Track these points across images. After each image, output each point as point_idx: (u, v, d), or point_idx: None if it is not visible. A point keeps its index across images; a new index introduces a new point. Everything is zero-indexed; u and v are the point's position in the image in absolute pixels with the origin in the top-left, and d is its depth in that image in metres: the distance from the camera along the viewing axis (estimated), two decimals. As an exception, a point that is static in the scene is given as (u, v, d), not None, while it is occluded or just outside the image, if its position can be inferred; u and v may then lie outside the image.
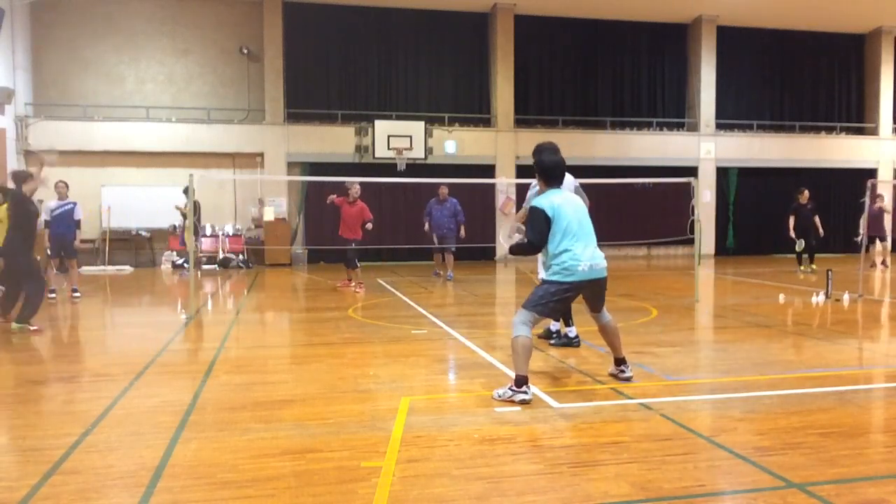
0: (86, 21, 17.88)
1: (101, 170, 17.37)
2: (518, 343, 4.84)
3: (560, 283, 4.97)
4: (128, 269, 16.52)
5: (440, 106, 19.47)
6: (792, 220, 13.92)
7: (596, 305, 5.30)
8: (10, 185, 8.42)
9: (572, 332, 6.80)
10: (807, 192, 13.65)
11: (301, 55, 18.82)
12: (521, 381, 4.77)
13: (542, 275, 5.36)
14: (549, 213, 5.03)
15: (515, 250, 5.35)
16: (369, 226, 11.96)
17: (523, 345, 4.82)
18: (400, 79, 19.61)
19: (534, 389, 5.06)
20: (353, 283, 12.06)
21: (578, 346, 6.73)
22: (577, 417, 4.43)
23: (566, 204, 5.11)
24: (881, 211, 15.30)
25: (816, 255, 14.45)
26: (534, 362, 6.06)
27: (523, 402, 4.70)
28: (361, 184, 12.19)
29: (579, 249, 4.98)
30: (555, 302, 5.03)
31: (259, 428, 4.24)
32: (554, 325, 6.91)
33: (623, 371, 5.38)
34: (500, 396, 4.81)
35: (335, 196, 11.99)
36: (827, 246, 21.08)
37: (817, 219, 13.61)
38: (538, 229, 5.04)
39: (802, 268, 14.30)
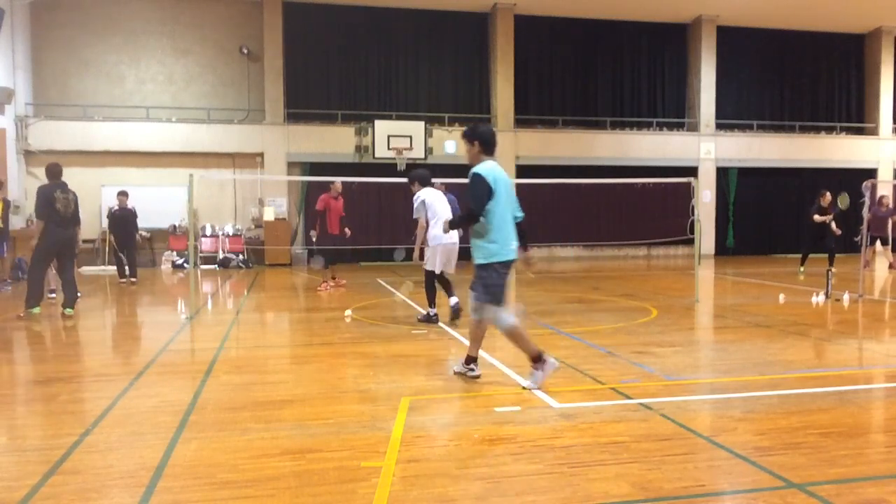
0: (86, 21, 17.88)
1: (101, 170, 17.38)
2: (516, 332, 5.11)
3: (498, 264, 5.11)
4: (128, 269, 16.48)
5: (440, 106, 19.48)
6: (817, 219, 13.63)
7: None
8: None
9: (433, 310, 8.13)
10: (828, 195, 13.54)
11: (301, 55, 18.82)
12: (537, 357, 5.07)
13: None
14: (492, 185, 5.07)
15: (456, 223, 5.54)
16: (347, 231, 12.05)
17: (520, 330, 5.12)
18: (400, 79, 19.61)
19: (534, 390, 5.08)
20: (331, 282, 12.15)
21: (437, 322, 8.01)
22: (577, 417, 4.42)
23: (501, 179, 5.20)
24: (890, 212, 15.15)
25: (813, 256, 14.42)
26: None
27: (553, 369, 5.08)
28: (361, 184, 12.23)
29: (511, 227, 5.19)
30: (504, 284, 5.16)
31: (259, 428, 4.24)
32: (432, 310, 8.12)
33: (472, 370, 5.44)
34: (532, 385, 5.04)
35: (322, 203, 11.87)
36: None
37: (833, 223, 13.53)
38: (480, 197, 5.06)
39: (802, 269, 14.28)
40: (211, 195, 18.12)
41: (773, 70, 21.72)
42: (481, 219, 5.11)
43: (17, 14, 16.64)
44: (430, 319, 8.13)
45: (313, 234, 11.94)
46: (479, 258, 5.17)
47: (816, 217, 13.45)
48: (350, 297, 11.16)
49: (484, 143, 5.31)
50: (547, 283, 13.38)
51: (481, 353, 6.48)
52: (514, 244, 5.19)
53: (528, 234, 5.44)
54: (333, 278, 12.30)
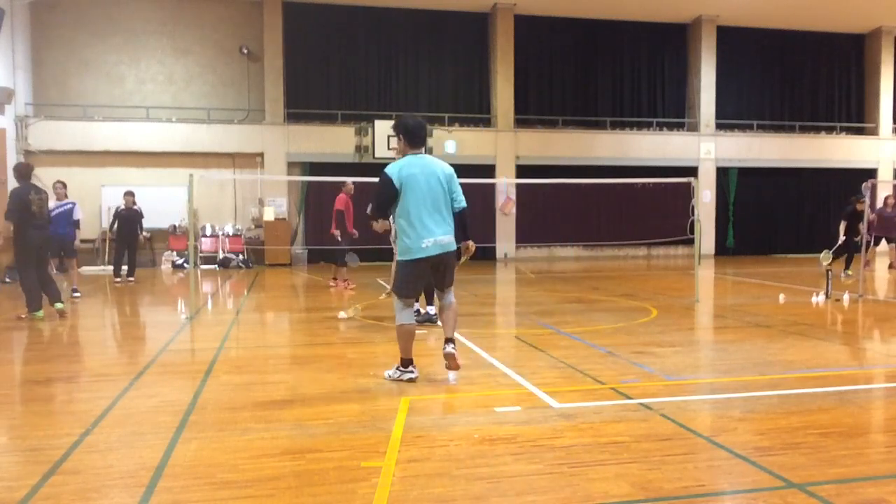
0: (86, 21, 17.89)
1: (101, 170, 17.39)
2: (402, 330, 5.24)
3: (407, 262, 5.13)
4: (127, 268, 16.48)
5: (440, 106, 19.48)
6: (843, 227, 13.61)
7: (442, 283, 5.34)
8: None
9: (431, 310, 8.00)
10: (865, 202, 13.39)
11: (301, 55, 18.83)
12: (407, 363, 5.29)
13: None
14: (397, 183, 5.02)
15: (370, 214, 5.39)
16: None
17: (407, 331, 5.24)
18: (400, 79, 19.62)
19: (533, 389, 5.08)
20: (333, 282, 12.21)
21: (436, 322, 7.73)
22: (577, 417, 4.42)
23: (420, 175, 5.07)
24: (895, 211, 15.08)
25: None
26: (534, 362, 6.08)
27: (410, 381, 5.25)
28: (361, 184, 12.23)
29: (425, 225, 5.05)
30: (411, 281, 5.19)
31: (259, 428, 4.24)
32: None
33: (449, 345, 5.34)
34: (389, 377, 5.36)
35: (342, 203, 11.98)
36: (827, 246, 21.13)
37: (861, 224, 13.46)
38: (381, 197, 5.09)
39: (849, 271, 13.95)
40: (211, 195, 18.13)
41: (773, 70, 21.72)
42: (396, 217, 5.15)
43: (17, 14, 16.63)
44: (429, 319, 8.08)
45: (338, 234, 11.94)
46: (397, 253, 5.31)
47: (842, 227, 13.43)
48: (349, 296, 11.16)
49: (406, 135, 5.24)
50: (547, 283, 13.39)
51: (480, 352, 6.51)
52: (434, 240, 5.05)
53: (469, 224, 5.37)
54: (335, 278, 12.32)
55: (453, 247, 5.22)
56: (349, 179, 12.03)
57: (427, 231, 5.05)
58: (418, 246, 5.05)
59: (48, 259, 9.32)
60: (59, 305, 8.90)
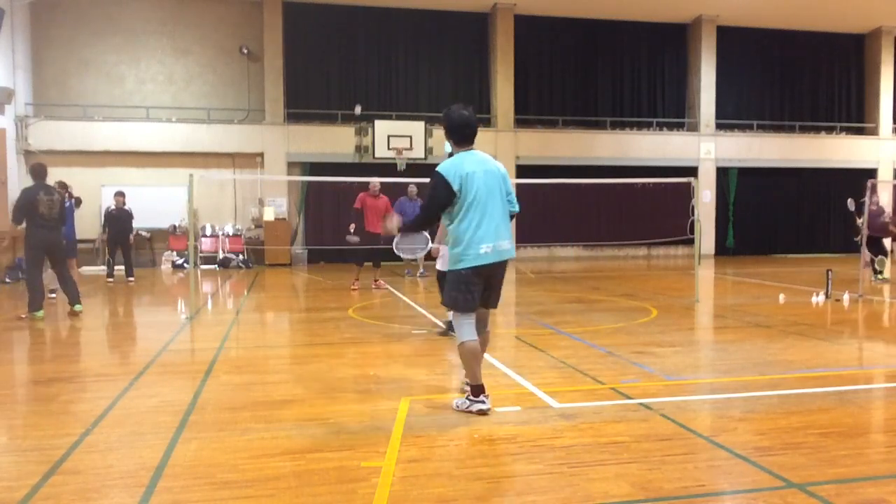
0: (86, 21, 17.88)
1: (101, 170, 17.37)
2: (464, 349, 4.47)
3: (462, 271, 4.43)
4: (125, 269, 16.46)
5: (440, 106, 19.22)
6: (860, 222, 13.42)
7: (488, 299, 4.63)
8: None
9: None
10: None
11: (301, 55, 18.83)
12: (477, 391, 4.48)
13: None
14: (455, 185, 4.38)
15: (409, 227, 4.91)
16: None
17: (470, 350, 4.46)
18: (400, 79, 19.62)
19: (534, 389, 5.08)
20: (359, 283, 12.07)
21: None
22: (577, 417, 4.42)
23: (478, 173, 4.45)
24: (881, 210, 15.07)
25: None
26: (534, 361, 6.07)
27: (481, 413, 4.43)
28: (360, 184, 12.18)
29: (483, 228, 4.40)
30: (465, 292, 4.44)
31: (259, 428, 4.24)
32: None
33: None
34: (458, 407, 4.55)
35: (359, 202, 11.89)
36: (827, 246, 21.19)
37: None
38: (435, 202, 4.43)
39: (881, 276, 13.69)
40: (211, 195, 18.11)
41: (773, 70, 21.71)
42: (445, 221, 4.57)
43: (17, 14, 16.63)
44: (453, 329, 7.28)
45: (352, 227, 11.81)
46: (447, 264, 4.68)
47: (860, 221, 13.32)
48: (350, 296, 11.16)
49: (452, 133, 4.62)
50: (547, 283, 13.39)
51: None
52: (492, 246, 4.40)
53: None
54: (356, 279, 12.22)
55: (512, 254, 4.55)
56: (376, 180, 11.87)
57: (487, 236, 4.40)
58: (476, 252, 4.37)
59: (65, 259, 9.31)
60: (77, 307, 8.93)
